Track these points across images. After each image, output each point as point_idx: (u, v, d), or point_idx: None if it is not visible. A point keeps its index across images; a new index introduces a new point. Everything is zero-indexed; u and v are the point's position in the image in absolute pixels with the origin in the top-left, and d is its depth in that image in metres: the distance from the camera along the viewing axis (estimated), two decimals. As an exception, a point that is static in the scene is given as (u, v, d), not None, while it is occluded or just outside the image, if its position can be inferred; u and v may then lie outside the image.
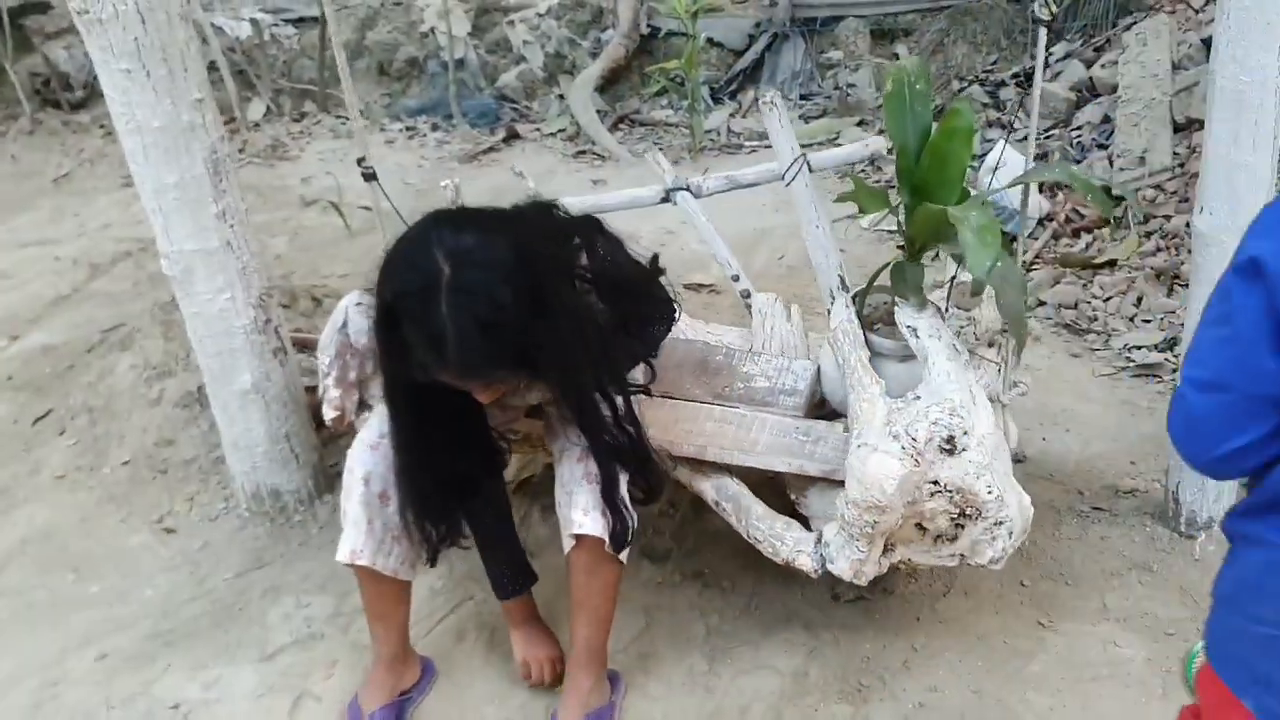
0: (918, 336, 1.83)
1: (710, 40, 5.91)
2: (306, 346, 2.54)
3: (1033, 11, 1.80)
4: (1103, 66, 4.41)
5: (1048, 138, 4.28)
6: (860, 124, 5.22)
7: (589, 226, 1.81)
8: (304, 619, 2.18)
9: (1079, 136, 4.20)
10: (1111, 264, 3.43)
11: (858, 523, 1.68)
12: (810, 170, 2.23)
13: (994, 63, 5.30)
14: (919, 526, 1.72)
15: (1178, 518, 2.23)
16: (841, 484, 1.78)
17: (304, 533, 2.45)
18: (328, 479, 2.54)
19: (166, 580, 2.33)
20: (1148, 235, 3.51)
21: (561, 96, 5.88)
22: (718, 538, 2.25)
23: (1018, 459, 2.39)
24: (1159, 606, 2.07)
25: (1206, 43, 3.95)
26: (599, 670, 1.86)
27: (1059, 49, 4.77)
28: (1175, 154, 3.78)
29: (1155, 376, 2.86)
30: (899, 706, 1.89)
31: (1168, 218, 3.53)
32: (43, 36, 6.19)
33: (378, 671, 1.90)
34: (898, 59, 5.48)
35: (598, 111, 5.55)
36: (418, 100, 6.09)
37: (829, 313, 2.03)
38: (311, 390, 2.30)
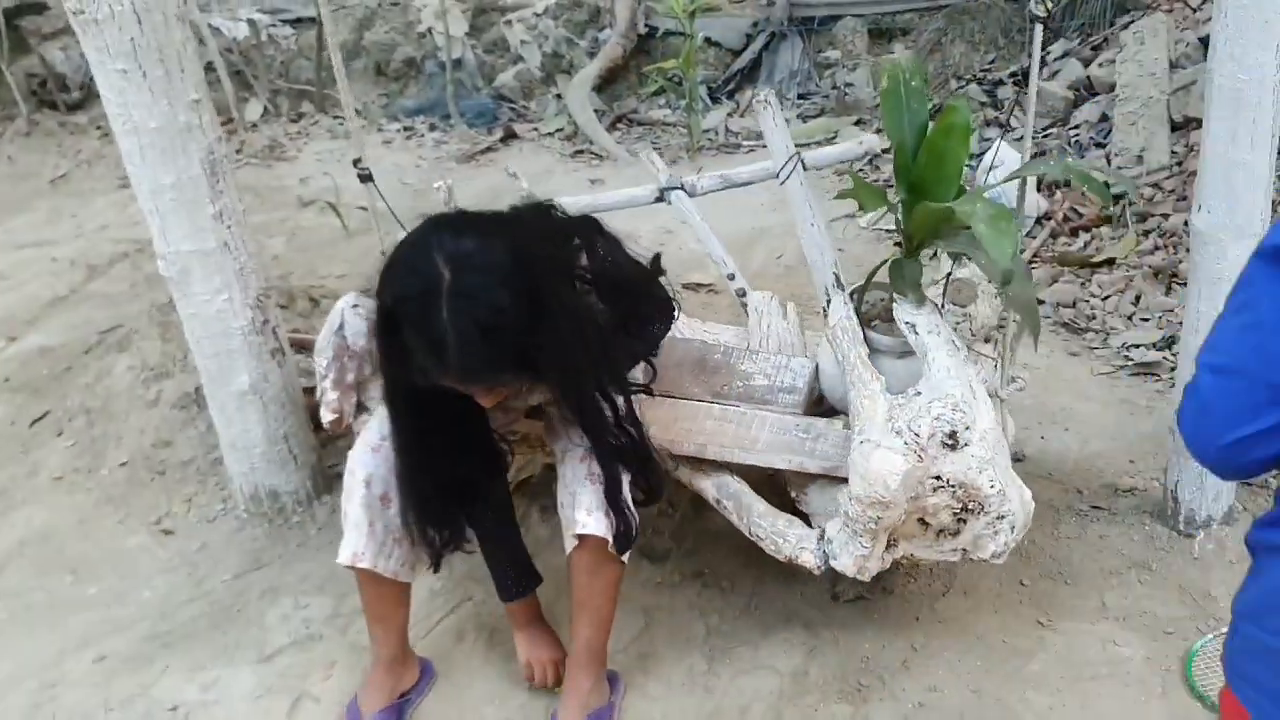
0: (917, 333, 1.83)
1: (708, 40, 5.91)
2: (304, 347, 2.53)
3: (1029, 9, 1.80)
4: (1100, 65, 4.41)
5: (1046, 136, 4.28)
6: (858, 123, 5.22)
7: (588, 227, 1.81)
8: (302, 620, 2.18)
9: (1077, 135, 4.20)
10: (1110, 262, 3.43)
11: (861, 519, 1.68)
12: (805, 169, 2.23)
13: (992, 62, 5.30)
14: (922, 522, 1.72)
15: (1177, 516, 2.23)
16: (842, 481, 1.78)
17: (302, 534, 2.45)
18: (326, 480, 2.54)
19: (165, 582, 2.33)
20: (1146, 234, 3.51)
21: (559, 96, 5.88)
22: (717, 537, 2.25)
23: (1017, 458, 2.39)
24: (1158, 605, 2.06)
25: (1204, 41, 3.95)
26: (599, 671, 1.86)
27: (1057, 48, 4.77)
28: (1173, 152, 3.78)
29: (1154, 375, 2.86)
30: (899, 706, 1.88)
31: (1166, 216, 3.53)
32: (39, 37, 6.18)
33: (377, 673, 1.90)
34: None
35: (595, 111, 5.55)
36: (415, 100, 6.08)
37: (823, 310, 2.03)
38: (309, 391, 2.30)
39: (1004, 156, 3.15)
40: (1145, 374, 2.87)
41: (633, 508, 1.76)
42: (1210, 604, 2.05)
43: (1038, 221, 3.76)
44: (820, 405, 2.09)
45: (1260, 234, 1.95)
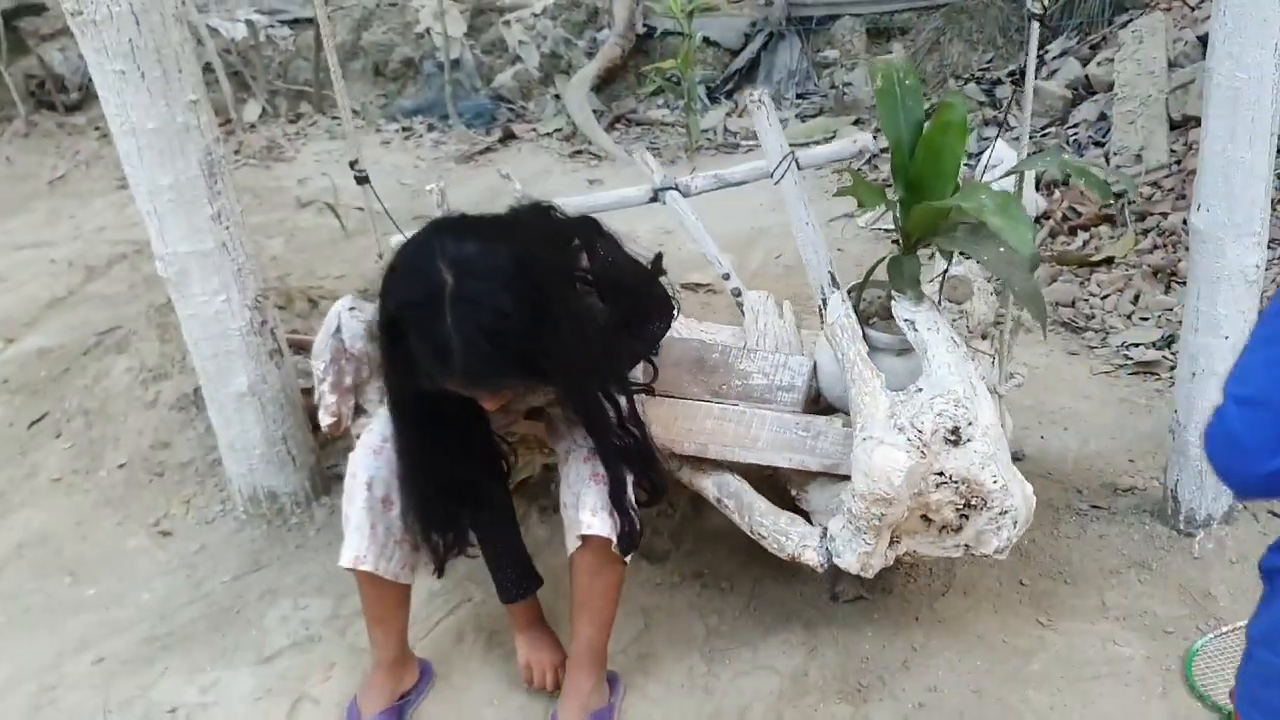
0: (916, 329, 1.83)
1: (706, 39, 5.91)
2: (303, 348, 2.53)
3: (1026, 7, 1.80)
4: (1099, 64, 4.41)
5: (1044, 135, 4.28)
6: (856, 123, 5.23)
7: (588, 228, 1.81)
8: (301, 621, 2.18)
9: (1075, 134, 4.20)
10: (1109, 261, 3.43)
11: (864, 516, 1.68)
12: (799, 168, 2.23)
13: (990, 61, 5.30)
14: (925, 518, 1.73)
15: (1176, 515, 2.23)
16: (843, 478, 1.78)
17: (301, 535, 2.44)
18: (325, 481, 2.54)
19: (163, 583, 2.33)
20: (1145, 232, 3.51)
21: (557, 96, 5.88)
22: (717, 538, 2.24)
23: (1016, 456, 2.39)
24: (1158, 604, 2.06)
25: (1202, 39, 3.96)
26: (599, 671, 1.86)
27: (1055, 46, 4.77)
28: (1172, 151, 3.78)
29: (1153, 374, 2.86)
30: (899, 706, 1.88)
31: (1165, 215, 3.53)
32: (38, 38, 6.18)
33: (377, 675, 1.90)
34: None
35: (594, 111, 5.55)
36: (413, 101, 6.09)
37: (819, 309, 2.02)
38: (308, 392, 2.29)
39: (1000, 155, 3.15)
40: (1144, 373, 2.87)
41: (636, 509, 1.76)
42: (1210, 603, 2.05)
43: (1036, 220, 3.76)
44: (818, 404, 2.09)
45: (1259, 232, 1.95)
